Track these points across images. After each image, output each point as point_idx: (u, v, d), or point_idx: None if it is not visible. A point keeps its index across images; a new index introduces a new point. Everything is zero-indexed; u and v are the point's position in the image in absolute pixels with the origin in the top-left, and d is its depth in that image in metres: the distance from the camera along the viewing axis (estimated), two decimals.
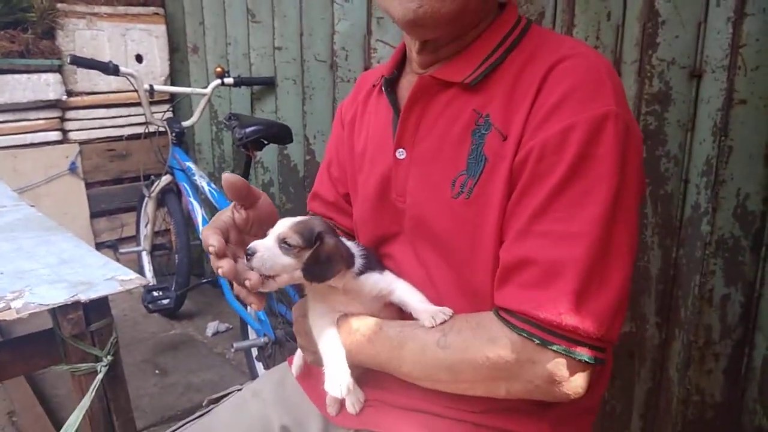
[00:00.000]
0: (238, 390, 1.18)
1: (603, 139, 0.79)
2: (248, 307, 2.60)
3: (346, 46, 2.54)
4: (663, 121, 1.63)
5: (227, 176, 0.90)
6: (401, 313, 0.97)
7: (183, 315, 3.43)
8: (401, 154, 0.98)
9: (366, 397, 1.02)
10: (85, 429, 1.35)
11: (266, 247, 0.86)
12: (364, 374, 1.01)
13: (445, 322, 0.88)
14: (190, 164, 2.97)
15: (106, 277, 1.36)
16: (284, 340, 2.40)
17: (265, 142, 2.52)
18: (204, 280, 3.19)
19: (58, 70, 3.36)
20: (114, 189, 3.78)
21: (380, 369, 0.94)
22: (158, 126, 3.04)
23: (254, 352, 2.62)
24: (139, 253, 3.59)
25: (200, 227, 2.87)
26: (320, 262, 0.86)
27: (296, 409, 1.09)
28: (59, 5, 3.37)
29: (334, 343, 0.92)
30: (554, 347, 0.78)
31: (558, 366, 0.79)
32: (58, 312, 1.27)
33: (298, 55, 2.81)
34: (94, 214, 3.69)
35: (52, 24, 3.35)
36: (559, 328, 0.78)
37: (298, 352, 1.12)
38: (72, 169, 3.52)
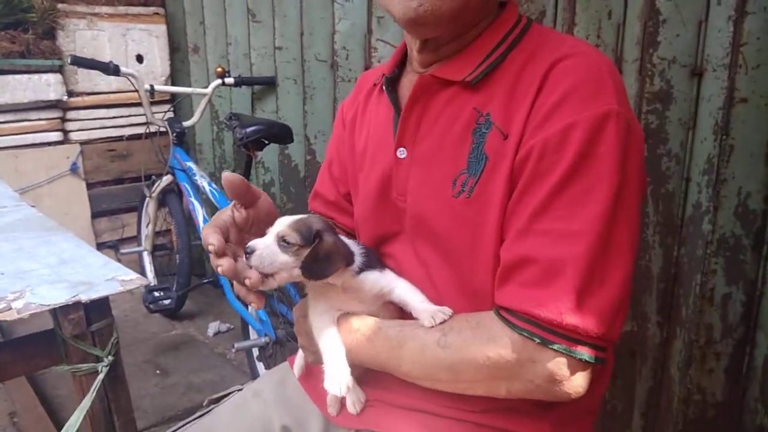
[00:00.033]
0: (239, 390, 1.18)
1: (604, 137, 0.79)
2: (249, 307, 2.60)
3: (346, 46, 2.54)
4: (664, 119, 1.63)
5: (227, 175, 0.90)
6: (401, 313, 0.96)
7: (184, 315, 3.43)
8: (402, 153, 0.97)
9: (366, 396, 1.02)
10: (86, 429, 1.35)
11: (265, 245, 0.87)
12: (365, 374, 1.01)
13: (444, 321, 0.88)
14: (191, 164, 2.97)
15: (106, 277, 1.36)
16: (285, 340, 2.39)
17: (266, 142, 2.52)
18: (205, 281, 3.18)
19: (59, 70, 3.36)
20: (115, 189, 3.78)
21: (380, 368, 0.94)
22: (159, 126, 3.04)
23: (255, 352, 2.62)
24: (140, 254, 3.59)
25: (201, 227, 2.87)
26: (319, 260, 0.87)
27: (297, 409, 1.09)
28: (60, 5, 3.37)
29: (334, 342, 0.92)
30: (555, 346, 0.78)
31: (558, 365, 0.79)
32: (58, 312, 1.27)
33: (298, 55, 2.81)
34: (95, 215, 3.69)
35: (52, 24, 3.35)
36: (560, 327, 0.78)
37: (300, 353, 1.12)
38: (73, 169, 3.52)
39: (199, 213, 2.88)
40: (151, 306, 3.16)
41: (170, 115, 3.33)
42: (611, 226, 0.79)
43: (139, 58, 3.70)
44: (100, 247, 3.65)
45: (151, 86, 2.98)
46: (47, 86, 3.29)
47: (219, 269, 0.86)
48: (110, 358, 1.35)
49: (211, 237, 0.88)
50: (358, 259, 0.93)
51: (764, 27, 1.41)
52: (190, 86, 3.58)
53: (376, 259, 0.98)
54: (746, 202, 1.51)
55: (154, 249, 3.52)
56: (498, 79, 0.90)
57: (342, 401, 1.03)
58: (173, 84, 3.82)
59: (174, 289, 3.22)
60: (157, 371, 2.86)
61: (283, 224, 0.89)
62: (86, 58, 2.80)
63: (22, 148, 3.34)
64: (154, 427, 2.43)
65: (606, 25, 1.68)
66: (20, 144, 3.33)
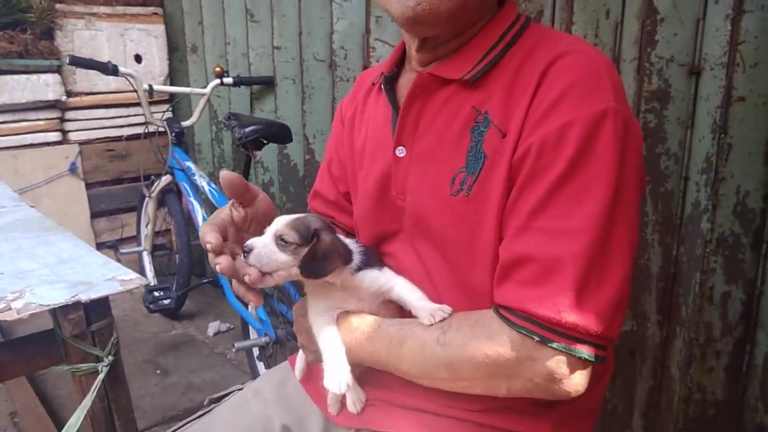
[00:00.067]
0: (239, 389, 1.18)
1: (602, 135, 0.79)
2: (249, 307, 2.60)
3: (345, 46, 2.54)
4: (662, 118, 1.63)
5: (225, 174, 0.90)
6: (401, 311, 0.97)
7: (184, 315, 3.44)
8: (401, 152, 0.97)
9: (367, 396, 1.02)
10: (86, 429, 1.35)
11: (263, 244, 0.87)
12: (365, 373, 1.01)
13: (444, 319, 0.88)
14: (189, 164, 2.97)
15: (106, 277, 1.36)
16: (285, 339, 2.40)
17: (265, 141, 2.52)
18: (205, 280, 3.19)
19: (57, 70, 3.36)
20: (114, 189, 3.78)
21: (380, 367, 0.94)
22: (158, 126, 3.04)
23: (255, 351, 2.62)
24: (139, 254, 3.59)
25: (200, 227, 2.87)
26: (317, 258, 0.87)
27: (297, 409, 1.09)
28: (58, 6, 3.37)
29: (333, 340, 0.93)
30: (554, 345, 0.78)
31: (558, 364, 0.79)
32: (58, 312, 1.27)
33: (297, 55, 2.81)
34: (95, 215, 3.69)
35: (50, 24, 3.35)
36: (559, 326, 0.78)
37: (301, 354, 1.12)
38: (72, 169, 3.52)
39: (199, 213, 2.88)
40: (151, 306, 3.16)
41: (169, 115, 3.33)
42: (610, 223, 0.79)
43: (138, 58, 3.70)
44: (100, 247, 3.65)
45: (150, 86, 2.98)
46: (46, 86, 3.29)
47: (217, 267, 0.86)
48: (110, 357, 1.35)
49: (208, 235, 0.88)
50: (357, 258, 0.93)
51: (762, 25, 1.41)
52: (188, 86, 3.58)
53: (374, 258, 0.98)
54: (745, 201, 1.51)
55: (154, 249, 3.53)
56: (496, 77, 0.90)
57: (342, 401, 1.03)
58: (172, 84, 3.82)
59: (174, 288, 3.23)
60: (158, 371, 2.86)
61: (281, 223, 0.89)
62: (85, 58, 2.80)
63: (21, 149, 3.34)
64: (154, 426, 2.43)
65: (604, 25, 1.68)
66: (19, 144, 3.33)
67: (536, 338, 0.79)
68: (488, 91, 0.90)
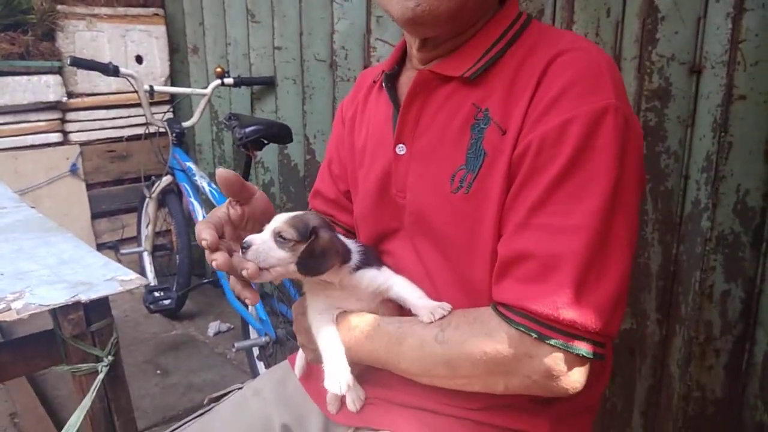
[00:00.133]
0: (239, 389, 1.18)
1: (602, 131, 0.79)
2: (249, 307, 2.60)
3: (345, 46, 2.54)
4: (663, 117, 1.63)
5: (221, 171, 0.91)
6: (400, 310, 0.97)
7: (184, 315, 3.44)
8: (401, 149, 0.98)
9: (366, 394, 1.02)
10: (86, 429, 1.35)
11: (262, 241, 0.87)
12: (365, 372, 1.01)
13: (443, 317, 0.88)
14: (190, 165, 2.97)
15: (106, 277, 1.37)
16: (285, 339, 2.40)
17: (266, 141, 2.52)
18: (205, 281, 3.19)
19: (59, 71, 3.36)
20: (115, 190, 3.79)
21: (379, 365, 0.94)
22: (158, 127, 3.04)
23: (255, 351, 2.62)
24: (140, 254, 3.59)
25: None
26: (314, 256, 0.87)
27: (297, 408, 1.09)
28: (59, 7, 3.38)
29: (333, 340, 0.92)
30: (552, 341, 0.78)
31: (556, 360, 0.79)
32: (58, 312, 1.27)
33: (297, 55, 2.81)
34: (95, 215, 3.70)
35: (52, 26, 3.36)
36: (557, 323, 0.78)
37: (300, 353, 1.12)
38: (73, 170, 3.52)
39: (199, 213, 2.88)
40: (152, 306, 3.16)
41: (170, 115, 3.34)
42: (609, 220, 0.79)
43: (139, 59, 3.71)
44: (101, 247, 3.66)
45: (151, 87, 2.98)
46: (47, 87, 3.29)
47: (213, 263, 0.86)
48: (110, 358, 1.35)
49: (204, 232, 0.88)
50: (355, 257, 0.93)
51: (763, 24, 1.41)
52: (189, 87, 3.58)
53: (373, 257, 0.98)
54: (745, 199, 1.51)
55: (154, 249, 3.53)
56: (497, 75, 0.90)
57: (342, 399, 1.03)
58: (173, 84, 3.82)
59: (174, 289, 3.23)
60: (158, 371, 2.87)
61: (279, 220, 0.90)
62: (86, 59, 2.80)
63: (22, 150, 3.35)
64: (154, 427, 2.43)
65: (605, 23, 1.68)
66: (20, 145, 3.33)
67: (534, 335, 0.79)
68: (489, 88, 0.90)
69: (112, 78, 3.00)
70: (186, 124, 3.10)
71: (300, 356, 1.13)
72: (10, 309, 1.19)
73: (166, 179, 3.13)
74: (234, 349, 2.53)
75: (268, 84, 3.02)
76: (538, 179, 0.81)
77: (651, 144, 1.65)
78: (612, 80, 0.83)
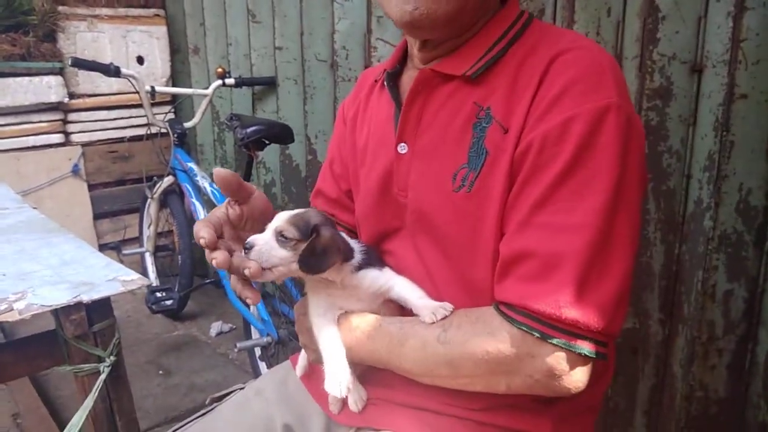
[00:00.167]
0: (241, 389, 1.18)
1: (604, 129, 0.79)
2: (251, 307, 2.60)
3: (346, 45, 2.54)
4: (664, 116, 1.63)
5: (219, 171, 0.91)
6: (401, 311, 0.96)
7: (186, 316, 3.44)
8: (403, 148, 0.98)
9: (368, 394, 1.02)
10: (88, 430, 1.35)
11: (264, 241, 0.87)
12: (366, 372, 1.01)
13: (445, 317, 0.88)
14: (192, 165, 2.97)
15: (108, 277, 1.37)
16: (287, 339, 2.40)
17: (267, 142, 2.52)
18: (207, 281, 3.19)
19: (60, 72, 3.37)
20: (117, 191, 3.79)
21: (381, 366, 0.94)
22: (160, 127, 3.04)
23: (257, 351, 2.62)
24: (142, 255, 3.59)
25: None
26: (316, 254, 0.87)
27: (299, 408, 1.09)
28: (60, 8, 3.38)
29: (334, 342, 0.92)
30: (554, 341, 0.78)
31: (558, 360, 0.79)
32: (60, 313, 1.28)
33: (298, 55, 2.81)
34: (97, 216, 3.70)
35: (53, 27, 3.36)
36: (559, 322, 0.77)
37: (302, 353, 1.12)
38: (74, 171, 3.53)
39: (201, 213, 2.88)
40: (154, 307, 3.17)
41: (171, 116, 3.34)
42: (611, 219, 0.78)
43: (140, 60, 3.71)
44: (103, 248, 3.66)
45: (152, 87, 2.98)
46: (48, 88, 3.30)
47: (213, 262, 0.86)
48: (112, 358, 1.35)
49: (201, 230, 0.88)
50: (358, 256, 0.93)
51: (764, 23, 1.40)
52: (190, 87, 3.59)
53: (375, 258, 0.98)
54: (747, 199, 1.51)
55: (156, 250, 3.53)
56: (499, 74, 0.90)
57: (344, 400, 1.03)
58: (174, 85, 3.83)
59: (176, 289, 3.23)
60: (160, 372, 2.87)
61: (281, 219, 0.90)
62: (87, 60, 2.80)
63: (24, 151, 3.35)
64: (156, 427, 2.43)
65: (605, 23, 1.68)
66: (22, 146, 3.34)
67: (536, 334, 0.79)
68: (490, 87, 0.90)
69: (113, 79, 3.00)
70: (187, 124, 3.10)
71: (302, 356, 1.13)
72: (12, 309, 1.19)
73: (167, 180, 3.13)
74: (236, 350, 2.53)
75: (269, 84, 3.02)
76: (540, 178, 0.81)
77: (653, 143, 1.65)
78: (614, 79, 0.82)
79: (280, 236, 0.87)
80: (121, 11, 3.63)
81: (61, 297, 1.25)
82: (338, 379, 0.88)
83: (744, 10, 1.42)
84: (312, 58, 2.73)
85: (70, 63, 2.73)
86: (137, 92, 2.91)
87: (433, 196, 0.93)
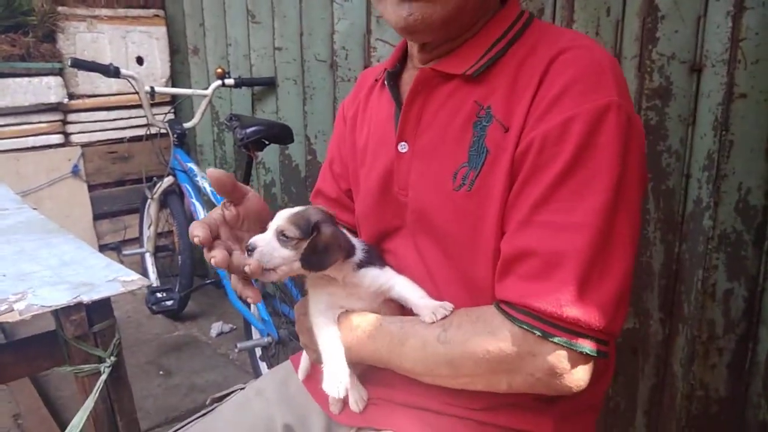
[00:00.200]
0: (242, 389, 1.18)
1: (605, 128, 0.79)
2: (251, 307, 2.60)
3: (346, 46, 2.55)
4: (664, 116, 1.63)
5: (212, 171, 0.91)
6: (402, 310, 0.96)
7: (187, 316, 3.44)
8: (403, 147, 0.98)
9: (369, 394, 1.02)
10: (89, 430, 1.35)
11: (265, 241, 0.88)
12: (367, 372, 1.01)
13: (445, 317, 0.88)
14: (191, 165, 2.97)
15: (108, 278, 1.37)
16: (288, 339, 2.40)
17: (266, 142, 2.52)
18: (207, 281, 3.19)
19: (59, 73, 3.37)
20: (116, 191, 3.79)
21: (381, 365, 0.94)
22: (160, 128, 3.04)
23: (258, 352, 2.62)
24: (142, 255, 3.59)
25: None
26: (317, 251, 0.87)
27: (299, 408, 1.09)
28: (60, 8, 3.38)
29: (333, 341, 0.92)
30: (555, 339, 0.78)
31: (559, 358, 0.79)
32: (60, 313, 1.28)
33: (298, 56, 2.81)
34: (97, 217, 3.70)
35: (52, 27, 3.36)
36: (560, 320, 0.77)
37: (304, 355, 1.12)
38: (74, 171, 3.53)
39: (201, 214, 2.88)
40: (154, 307, 3.17)
41: (171, 116, 3.35)
42: (612, 217, 0.79)
43: (140, 60, 3.71)
44: (103, 249, 3.67)
45: (152, 88, 2.98)
46: (48, 89, 3.30)
47: (212, 261, 0.87)
48: (112, 358, 1.35)
49: (196, 229, 0.89)
50: (359, 254, 0.94)
51: (763, 22, 1.40)
52: (190, 88, 3.58)
53: (376, 256, 0.98)
54: (747, 198, 1.51)
55: (156, 250, 3.53)
56: (499, 73, 0.90)
57: (344, 399, 1.03)
58: (173, 85, 3.83)
59: (176, 290, 3.23)
60: (160, 372, 2.87)
61: (281, 218, 0.90)
62: (86, 61, 2.80)
63: (24, 151, 3.35)
64: (157, 427, 2.43)
65: (605, 22, 1.68)
66: (21, 147, 3.34)
67: (537, 333, 0.79)
68: (491, 86, 0.90)
69: (113, 79, 3.01)
70: (187, 125, 3.10)
71: (304, 358, 1.13)
72: (12, 310, 1.19)
73: (167, 180, 3.14)
74: (236, 350, 2.53)
75: (269, 84, 3.02)
76: (540, 177, 0.81)
77: (652, 143, 1.65)
78: (614, 78, 0.83)
79: (282, 236, 0.88)
80: (121, 12, 3.63)
81: (61, 297, 1.25)
82: (337, 380, 0.88)
83: (743, 9, 1.42)
84: (311, 58, 2.73)
85: (69, 63, 2.72)
86: (137, 93, 2.91)
87: (434, 195, 0.93)
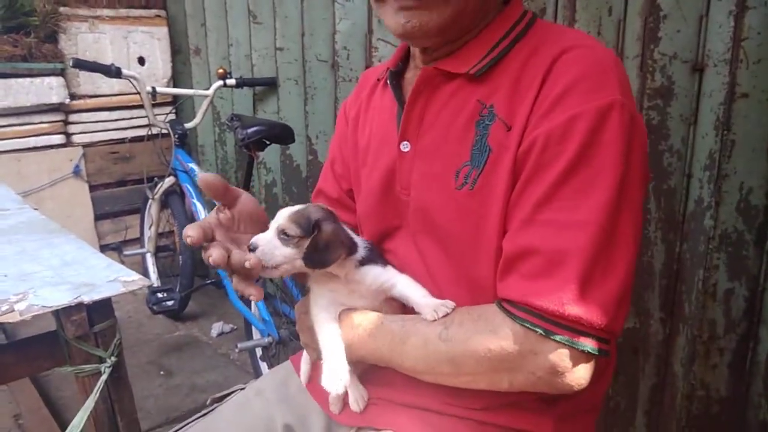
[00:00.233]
0: (242, 389, 1.18)
1: (608, 127, 0.79)
2: (252, 307, 2.61)
3: (347, 46, 2.54)
4: (665, 115, 1.62)
5: (203, 176, 0.92)
6: (403, 309, 0.96)
7: (187, 316, 3.44)
8: (406, 146, 0.98)
9: (369, 394, 1.02)
10: (89, 430, 1.35)
11: (267, 240, 0.88)
12: (367, 371, 1.01)
13: (447, 315, 0.88)
14: (193, 166, 2.98)
15: (109, 278, 1.37)
16: (288, 339, 2.40)
17: (268, 142, 2.52)
18: (208, 282, 3.19)
19: (61, 73, 3.37)
20: (118, 191, 3.79)
21: (383, 364, 0.94)
22: (161, 128, 3.04)
23: (258, 352, 2.62)
24: (143, 255, 3.59)
25: None
26: (319, 249, 0.88)
27: (299, 408, 1.09)
28: (61, 9, 3.39)
29: (333, 338, 0.93)
30: (557, 337, 0.78)
31: (561, 357, 0.78)
32: (61, 314, 1.27)
33: (299, 56, 2.81)
34: (98, 217, 3.71)
35: (54, 28, 3.37)
36: (563, 318, 0.77)
37: (305, 357, 1.12)
38: (76, 172, 3.53)
39: (202, 214, 2.88)
40: (155, 307, 3.17)
41: (172, 116, 3.34)
42: (615, 216, 0.79)
43: (141, 61, 3.71)
44: (104, 249, 3.66)
45: (153, 88, 2.98)
46: (49, 89, 3.30)
47: (209, 259, 0.87)
48: (113, 359, 1.35)
49: (188, 230, 0.89)
50: (361, 251, 0.94)
51: (765, 22, 1.40)
52: (191, 88, 3.58)
53: (378, 255, 0.98)
54: (748, 198, 1.51)
55: (157, 250, 3.53)
56: (502, 72, 0.90)
57: (345, 399, 1.03)
58: (175, 86, 3.83)
59: (177, 290, 3.23)
60: (161, 372, 2.87)
61: (282, 217, 0.90)
62: (88, 61, 2.80)
63: (25, 152, 3.36)
64: (158, 427, 2.43)
65: (606, 22, 1.68)
66: (23, 147, 3.34)
67: (539, 331, 0.78)
68: (494, 85, 0.90)
69: (114, 80, 3.01)
70: (188, 125, 3.10)
71: (304, 362, 1.13)
72: (13, 310, 1.19)
73: (168, 180, 3.14)
74: (237, 350, 2.53)
75: (270, 85, 3.02)
76: (543, 175, 0.81)
77: (654, 142, 1.65)
78: (617, 77, 0.83)
79: (283, 234, 0.88)
80: (122, 12, 3.63)
81: (62, 298, 1.25)
82: (336, 376, 0.88)
83: (745, 9, 1.42)
84: (313, 58, 2.73)
85: (71, 64, 2.73)
86: (138, 93, 2.91)
87: (436, 194, 0.93)
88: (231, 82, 2.96)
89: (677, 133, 1.62)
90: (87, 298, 1.26)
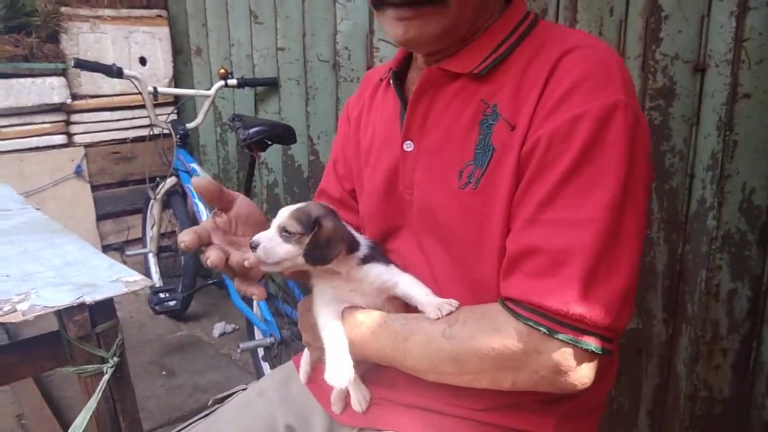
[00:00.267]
0: (243, 389, 1.18)
1: (612, 126, 0.79)
2: (254, 307, 2.61)
3: (348, 46, 2.54)
4: (667, 116, 1.62)
5: (197, 181, 0.92)
6: (406, 308, 0.96)
7: (189, 316, 3.44)
8: (409, 146, 0.98)
9: (371, 394, 1.02)
10: (92, 430, 1.35)
11: (268, 238, 0.88)
12: (370, 372, 1.01)
13: (450, 313, 0.88)
14: (194, 166, 2.98)
15: (111, 278, 1.37)
16: (290, 340, 2.40)
17: (269, 142, 2.52)
18: (210, 282, 3.19)
19: (63, 73, 3.38)
20: (119, 191, 3.80)
21: (385, 363, 0.94)
22: (163, 128, 3.04)
23: (260, 352, 2.63)
24: (145, 255, 3.60)
25: None
26: (320, 245, 0.88)
27: (301, 408, 1.09)
28: (63, 9, 3.39)
29: (337, 334, 0.93)
30: (561, 336, 0.78)
31: (564, 355, 0.78)
32: (63, 314, 1.27)
33: (300, 56, 2.81)
34: (100, 217, 3.71)
35: (55, 28, 3.37)
36: (566, 317, 0.77)
37: (305, 357, 1.12)
38: (77, 172, 3.53)
39: (203, 214, 2.88)
40: (157, 307, 3.17)
41: (174, 117, 3.34)
42: (619, 215, 0.78)
43: (142, 61, 3.71)
44: (106, 249, 3.67)
45: (155, 88, 2.98)
46: (51, 89, 3.30)
47: (208, 261, 0.87)
48: (115, 359, 1.35)
49: (182, 235, 0.89)
50: (363, 249, 0.94)
51: (766, 22, 1.40)
52: (193, 88, 3.59)
53: (381, 254, 0.98)
54: (751, 198, 1.51)
55: (159, 251, 3.53)
56: (506, 71, 0.90)
57: (346, 400, 1.03)
58: (176, 86, 3.83)
59: (179, 290, 3.24)
60: (163, 372, 2.87)
61: (283, 214, 0.91)
62: (89, 61, 2.80)
63: (27, 152, 3.36)
64: (160, 428, 2.43)
65: (608, 22, 1.68)
66: (25, 147, 3.35)
67: (543, 330, 0.78)
68: (497, 84, 0.90)
69: (116, 80, 3.01)
70: (190, 125, 3.11)
71: (305, 360, 1.13)
72: (15, 311, 1.19)
73: (170, 180, 3.14)
74: (239, 350, 2.53)
75: (272, 85, 3.02)
76: (547, 175, 0.81)
77: (656, 143, 1.64)
78: (621, 77, 0.83)
79: (284, 231, 0.89)
80: (124, 12, 3.63)
81: (64, 298, 1.25)
82: (340, 370, 0.88)
83: (747, 9, 1.42)
84: (314, 58, 2.73)
85: (72, 64, 2.73)
86: (140, 93, 2.91)
87: (439, 193, 0.93)
88: (232, 82, 2.96)
89: (679, 134, 1.62)
90: (89, 299, 1.26)
